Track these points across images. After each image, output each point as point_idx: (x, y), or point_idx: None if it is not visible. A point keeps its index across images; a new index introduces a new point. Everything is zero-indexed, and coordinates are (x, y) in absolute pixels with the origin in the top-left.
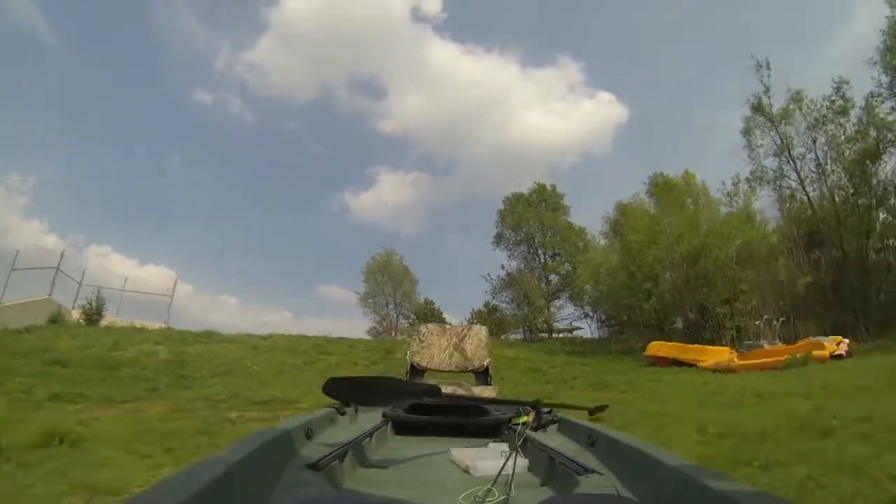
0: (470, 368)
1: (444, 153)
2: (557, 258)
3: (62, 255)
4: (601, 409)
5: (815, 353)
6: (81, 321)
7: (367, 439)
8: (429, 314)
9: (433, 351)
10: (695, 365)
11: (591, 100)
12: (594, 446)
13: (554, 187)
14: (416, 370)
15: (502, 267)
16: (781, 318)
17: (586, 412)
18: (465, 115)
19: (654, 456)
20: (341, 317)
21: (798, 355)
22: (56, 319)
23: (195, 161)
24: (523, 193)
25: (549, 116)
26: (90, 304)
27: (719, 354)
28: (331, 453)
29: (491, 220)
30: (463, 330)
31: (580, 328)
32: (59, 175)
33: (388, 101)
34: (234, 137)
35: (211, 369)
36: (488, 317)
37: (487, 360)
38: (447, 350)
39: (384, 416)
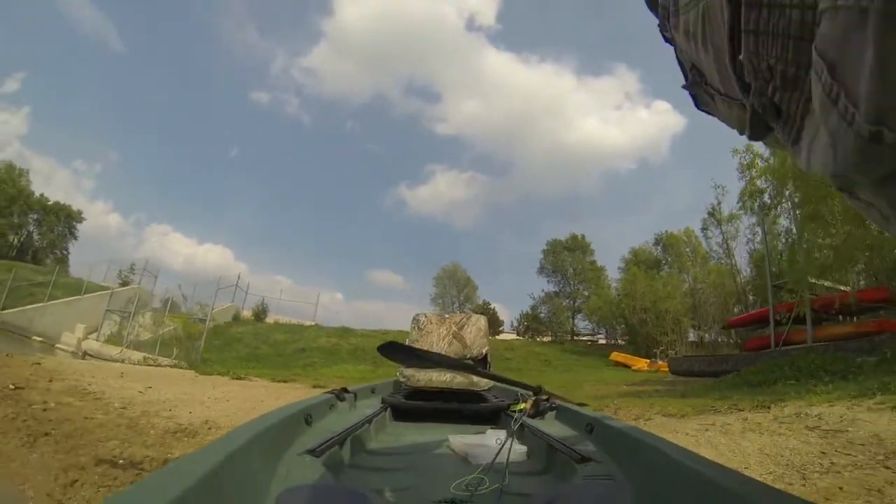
0: (469, 356)
1: (499, 155)
2: (582, 285)
3: (238, 276)
4: (583, 405)
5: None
6: (252, 318)
7: (366, 426)
8: (486, 313)
9: (432, 339)
10: (630, 367)
11: (647, 109)
12: (591, 433)
13: (583, 236)
14: None
15: (543, 290)
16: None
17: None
18: (520, 121)
19: (650, 443)
20: (389, 300)
21: (659, 368)
22: (237, 317)
23: (253, 152)
24: (561, 240)
25: (605, 123)
26: (259, 307)
27: (641, 363)
28: (330, 439)
29: (544, 220)
30: (462, 318)
31: (600, 334)
32: (123, 162)
33: (443, 105)
34: (291, 134)
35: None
36: (532, 319)
37: (486, 348)
38: (446, 338)
39: (383, 402)
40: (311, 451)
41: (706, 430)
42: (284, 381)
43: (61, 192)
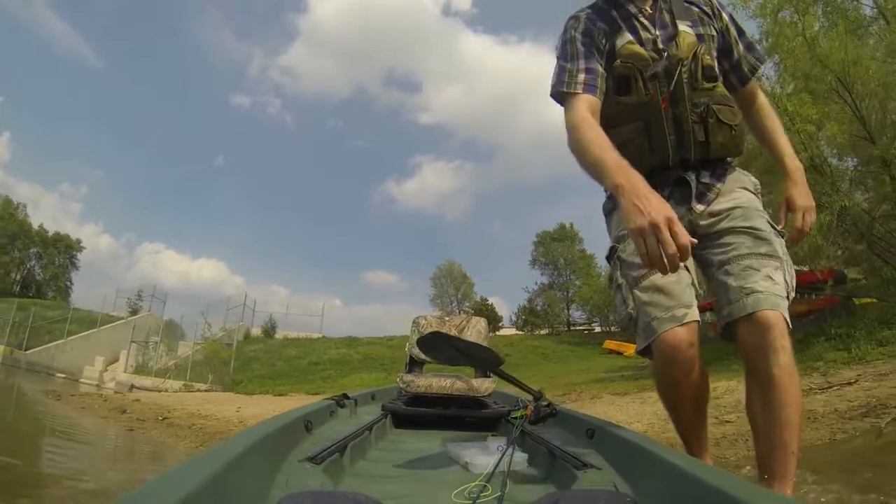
0: None
1: (485, 141)
2: (574, 274)
3: (245, 295)
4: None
5: None
6: (261, 335)
7: (367, 433)
8: (484, 310)
9: None
10: (622, 353)
11: None
12: (592, 439)
13: (572, 225)
14: (415, 362)
15: (536, 283)
16: None
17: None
18: (503, 104)
19: (652, 451)
20: (387, 303)
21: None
22: (247, 335)
23: (239, 160)
24: (549, 231)
25: None
26: (267, 324)
27: (632, 349)
28: (330, 446)
29: (533, 205)
30: (462, 321)
31: (596, 321)
32: (109, 182)
33: (424, 94)
34: (275, 136)
35: (390, 360)
36: (529, 313)
37: None
38: None
39: (383, 408)
40: (312, 459)
41: (633, 402)
42: (318, 394)
43: (50, 218)
